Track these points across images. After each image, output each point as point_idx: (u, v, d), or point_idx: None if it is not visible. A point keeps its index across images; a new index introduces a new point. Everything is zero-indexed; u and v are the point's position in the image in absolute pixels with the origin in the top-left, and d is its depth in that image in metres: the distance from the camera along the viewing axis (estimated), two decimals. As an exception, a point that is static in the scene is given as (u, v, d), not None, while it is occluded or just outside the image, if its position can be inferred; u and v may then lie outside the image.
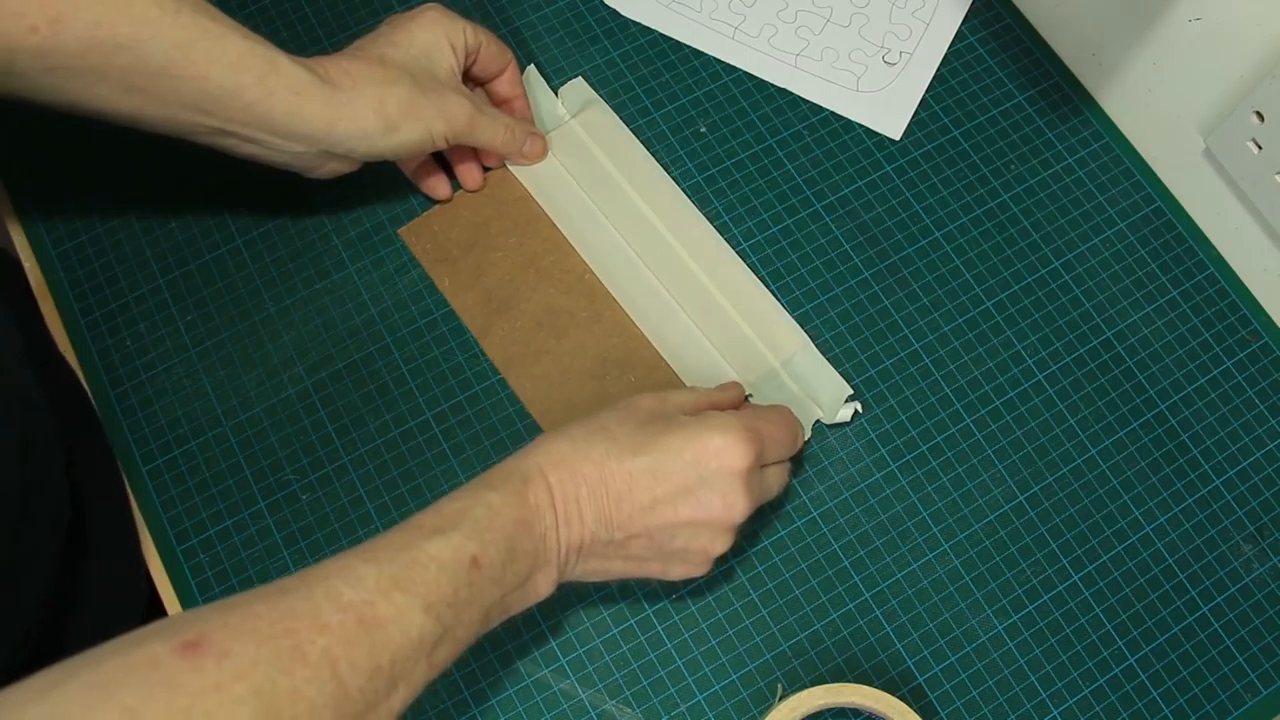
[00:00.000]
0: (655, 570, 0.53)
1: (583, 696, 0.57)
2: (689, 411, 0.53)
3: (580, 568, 0.51)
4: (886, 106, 0.70)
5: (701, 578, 0.56)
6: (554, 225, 0.66)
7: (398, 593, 0.42)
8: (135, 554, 0.59)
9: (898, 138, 0.69)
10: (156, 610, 0.59)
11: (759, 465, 0.52)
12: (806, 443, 0.61)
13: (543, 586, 0.49)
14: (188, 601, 0.58)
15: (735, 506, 0.51)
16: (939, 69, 0.71)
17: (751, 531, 0.60)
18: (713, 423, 0.51)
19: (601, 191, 0.66)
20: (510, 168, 0.67)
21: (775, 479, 0.56)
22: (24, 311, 0.63)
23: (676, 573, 0.53)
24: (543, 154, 0.67)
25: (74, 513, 0.54)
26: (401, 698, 0.42)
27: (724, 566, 0.59)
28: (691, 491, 0.50)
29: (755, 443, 0.51)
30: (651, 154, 0.68)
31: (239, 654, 0.37)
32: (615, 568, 0.52)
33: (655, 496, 0.50)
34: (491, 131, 0.62)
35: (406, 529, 0.45)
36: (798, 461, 0.61)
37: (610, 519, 0.50)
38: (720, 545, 0.52)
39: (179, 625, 0.38)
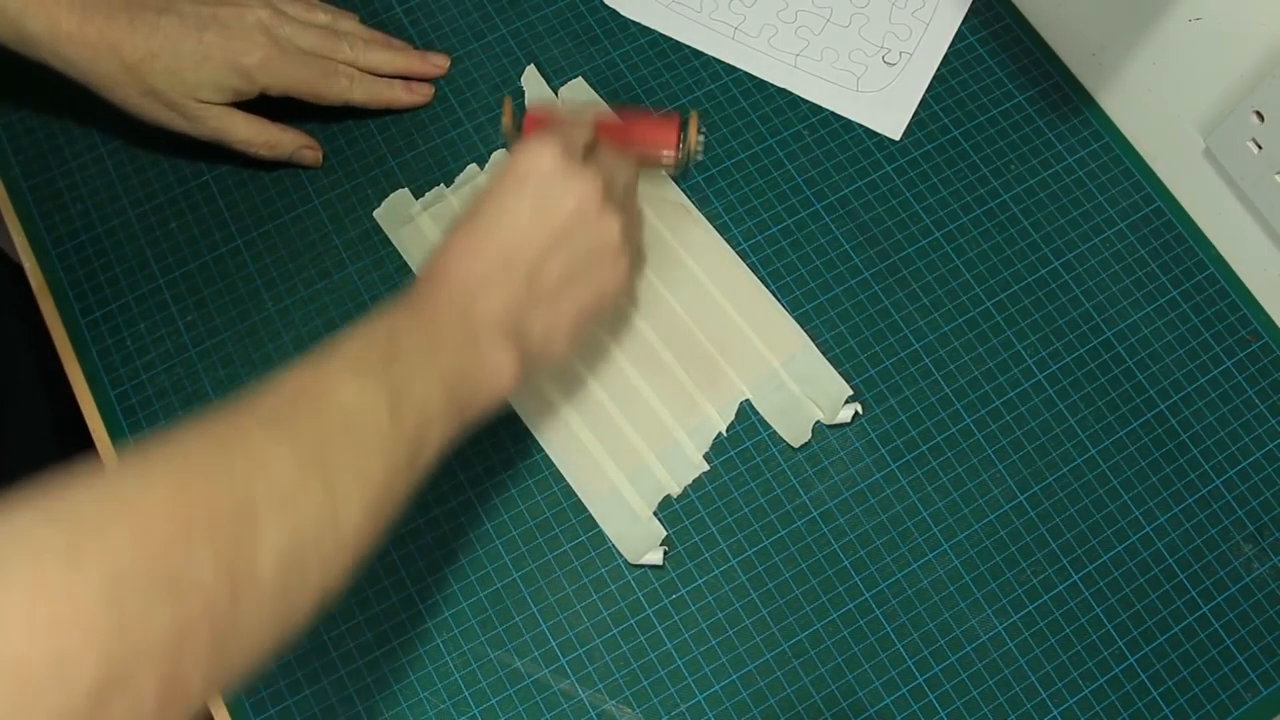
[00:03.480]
0: (593, 287, 0.53)
1: (583, 696, 0.57)
2: None
3: (531, 328, 0.51)
4: (886, 106, 0.70)
5: (631, 280, 0.57)
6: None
7: (318, 377, 0.43)
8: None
9: (898, 138, 0.69)
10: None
11: (574, 150, 0.53)
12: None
13: (505, 359, 0.49)
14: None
15: (580, 185, 0.51)
16: (939, 69, 0.71)
17: (752, 531, 0.60)
18: (515, 149, 0.52)
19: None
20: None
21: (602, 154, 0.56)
22: None
23: (609, 278, 0.54)
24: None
25: None
26: (381, 464, 0.42)
27: (726, 565, 0.59)
28: (540, 201, 0.51)
29: (553, 138, 0.52)
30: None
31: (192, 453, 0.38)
32: (562, 310, 0.52)
33: (524, 222, 0.51)
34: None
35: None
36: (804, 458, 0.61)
37: (506, 262, 0.50)
38: (610, 225, 0.53)
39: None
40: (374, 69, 0.67)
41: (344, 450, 0.41)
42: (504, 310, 0.50)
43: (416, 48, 0.70)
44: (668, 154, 0.62)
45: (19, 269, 0.66)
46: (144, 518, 0.34)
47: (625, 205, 0.55)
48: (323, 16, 0.66)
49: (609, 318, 0.57)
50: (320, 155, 0.67)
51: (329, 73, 0.64)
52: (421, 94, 0.69)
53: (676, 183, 0.67)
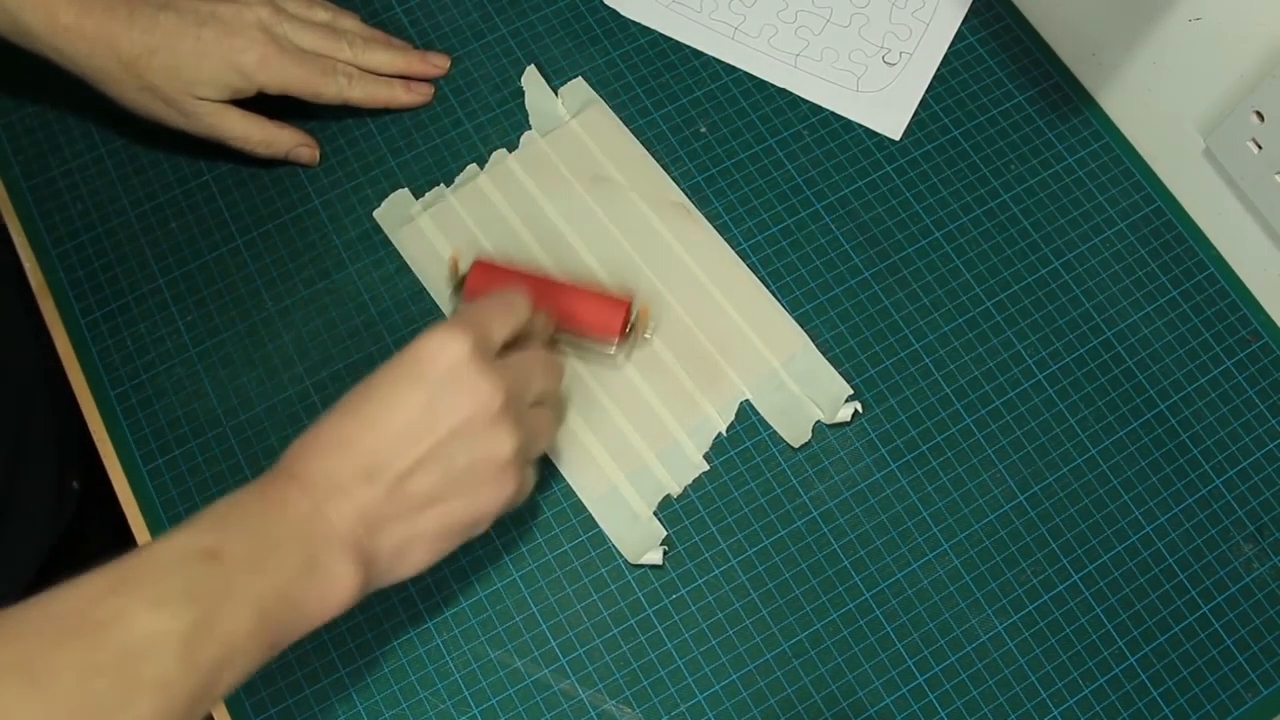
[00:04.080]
0: (467, 505, 0.48)
1: (583, 696, 0.57)
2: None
3: (384, 542, 0.46)
4: (886, 106, 0.70)
5: (521, 496, 0.51)
6: (554, 224, 0.66)
7: (113, 597, 0.39)
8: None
9: (898, 138, 0.69)
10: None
11: (488, 345, 0.48)
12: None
13: (341, 573, 0.44)
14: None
15: (480, 391, 0.47)
16: (939, 69, 0.71)
17: (752, 531, 0.60)
18: (424, 332, 0.47)
19: (601, 191, 0.66)
20: (512, 165, 0.67)
21: (529, 350, 0.52)
22: None
23: (488, 497, 0.48)
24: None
25: None
26: (153, 702, 0.38)
27: (726, 565, 0.59)
28: (431, 402, 0.46)
29: (468, 326, 0.47)
30: (651, 154, 0.68)
31: None
32: (424, 527, 0.47)
33: (402, 425, 0.46)
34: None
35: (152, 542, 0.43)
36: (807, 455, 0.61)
37: (370, 469, 0.45)
38: (503, 441, 0.48)
39: None
40: (373, 68, 0.67)
41: (110, 692, 0.37)
42: (356, 521, 0.45)
43: (417, 47, 0.70)
44: (610, 342, 0.59)
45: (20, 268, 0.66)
46: None
47: (533, 415, 0.51)
48: (323, 14, 0.66)
49: (482, 534, 0.50)
50: (317, 153, 0.67)
51: (327, 72, 0.64)
52: (421, 94, 0.69)
53: (677, 183, 0.67)
